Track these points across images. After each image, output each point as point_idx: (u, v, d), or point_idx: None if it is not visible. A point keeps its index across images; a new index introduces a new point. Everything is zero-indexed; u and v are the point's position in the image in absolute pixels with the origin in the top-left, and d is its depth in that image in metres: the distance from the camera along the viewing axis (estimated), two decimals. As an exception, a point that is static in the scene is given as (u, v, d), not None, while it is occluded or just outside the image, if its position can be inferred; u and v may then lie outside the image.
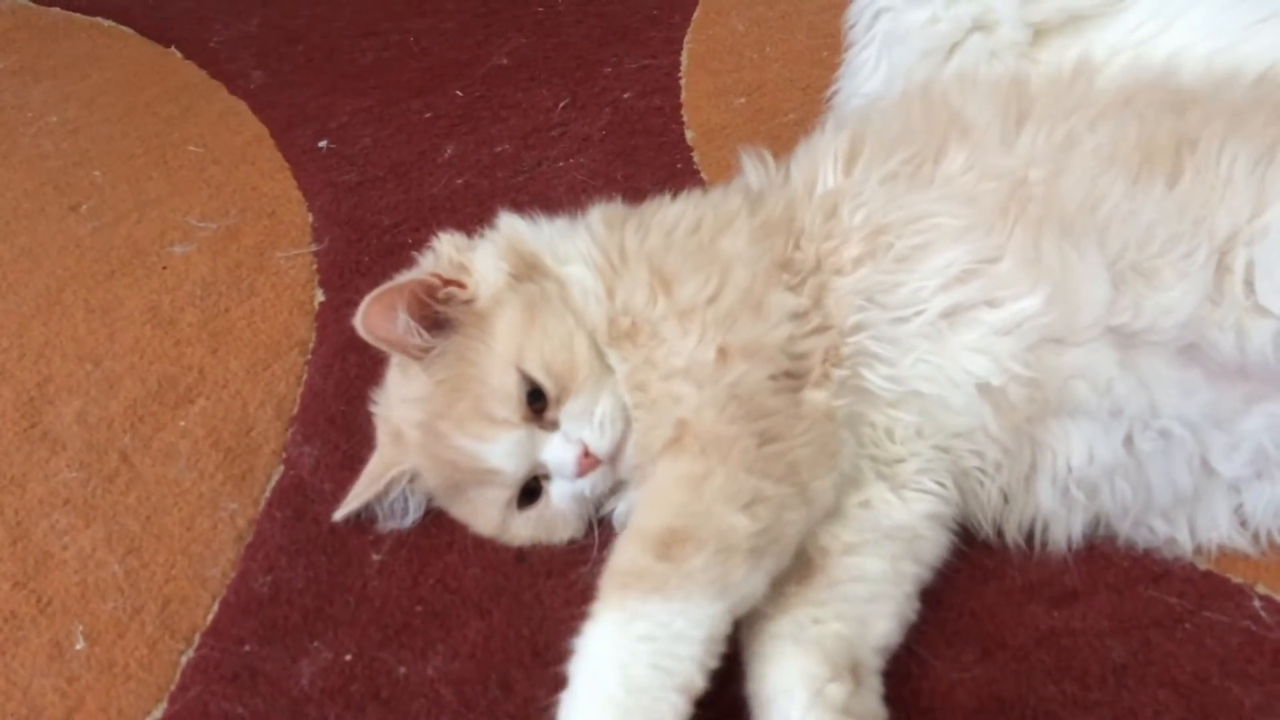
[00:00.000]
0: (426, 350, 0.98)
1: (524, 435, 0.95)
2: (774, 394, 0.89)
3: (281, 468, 1.17)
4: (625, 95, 1.66)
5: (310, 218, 1.53)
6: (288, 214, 1.54)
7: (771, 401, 0.89)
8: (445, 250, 1.04)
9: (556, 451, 0.95)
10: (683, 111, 1.61)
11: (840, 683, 0.80)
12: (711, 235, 0.98)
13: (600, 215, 1.05)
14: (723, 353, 0.90)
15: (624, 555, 0.81)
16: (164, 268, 1.47)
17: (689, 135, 1.56)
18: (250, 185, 1.61)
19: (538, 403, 0.95)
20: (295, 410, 1.24)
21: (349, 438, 1.17)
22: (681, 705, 0.76)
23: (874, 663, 0.86)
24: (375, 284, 0.99)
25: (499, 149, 1.59)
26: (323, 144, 1.67)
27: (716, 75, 1.68)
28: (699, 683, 0.77)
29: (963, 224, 0.92)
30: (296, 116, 1.75)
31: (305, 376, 1.28)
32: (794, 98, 1.60)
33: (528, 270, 1.00)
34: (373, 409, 1.08)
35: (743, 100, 1.61)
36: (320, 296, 1.39)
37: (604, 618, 0.79)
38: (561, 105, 1.67)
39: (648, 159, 1.52)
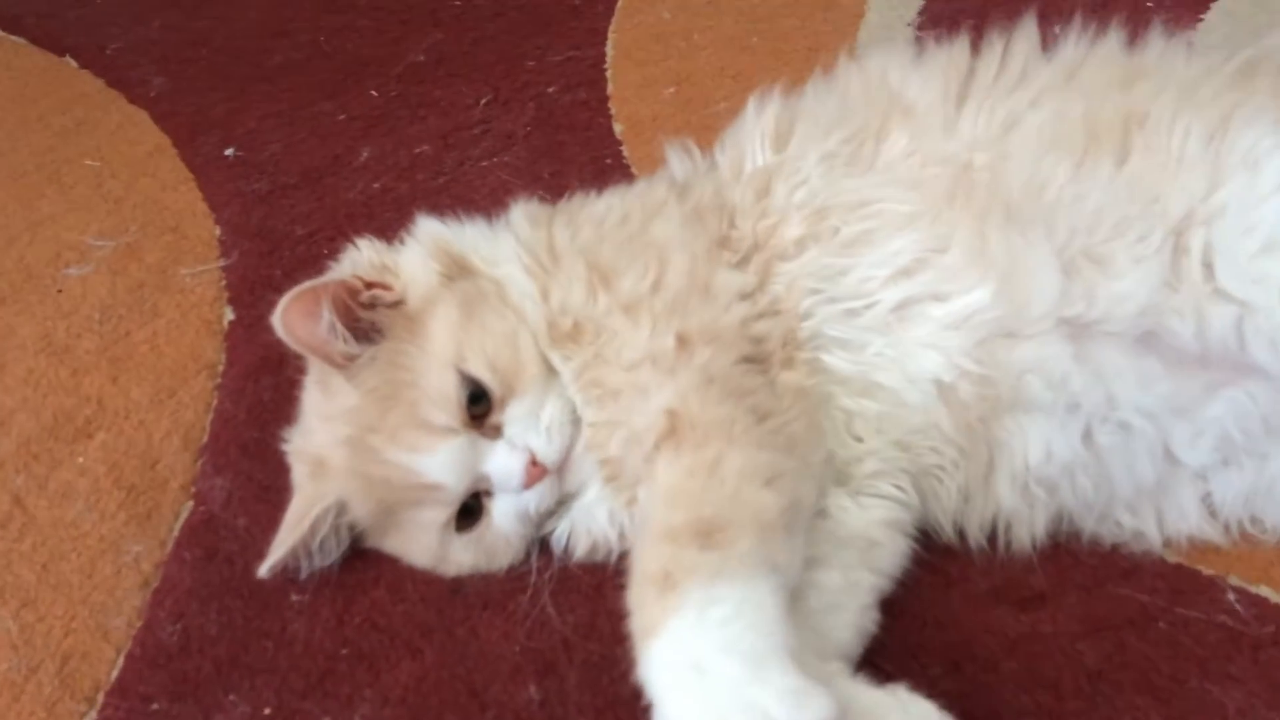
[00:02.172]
0: (351, 358, 0.90)
1: (465, 443, 0.88)
2: (747, 375, 0.85)
3: (190, 503, 1.09)
4: (549, 89, 1.60)
5: (217, 231, 1.44)
6: (193, 228, 1.45)
7: (749, 381, 0.84)
8: (366, 254, 0.97)
9: (501, 461, 0.88)
10: (610, 104, 1.54)
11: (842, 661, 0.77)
12: (641, 224, 0.94)
13: (523, 214, 0.99)
14: (682, 340, 0.85)
15: (658, 556, 0.73)
16: (59, 291, 1.37)
17: (617, 128, 1.50)
18: (152, 199, 1.51)
19: (479, 406, 0.88)
20: (205, 439, 1.15)
21: (264, 467, 1.09)
22: (793, 667, 0.66)
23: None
24: (289, 300, 0.91)
25: (418, 150, 1.51)
26: (229, 152, 1.57)
27: (644, 65, 1.62)
28: (794, 639, 0.69)
29: (909, 210, 0.88)
30: (201, 124, 1.66)
31: (215, 402, 1.19)
32: (725, 86, 1.54)
33: (459, 271, 0.94)
34: (285, 448, 1.00)
35: (672, 90, 1.54)
36: (229, 315, 1.31)
37: (668, 624, 0.68)
38: (483, 102, 1.60)
39: (575, 154, 1.45)
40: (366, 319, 0.92)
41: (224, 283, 1.35)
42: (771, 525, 0.74)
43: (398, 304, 0.93)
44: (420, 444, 0.88)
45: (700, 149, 1.04)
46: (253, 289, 1.32)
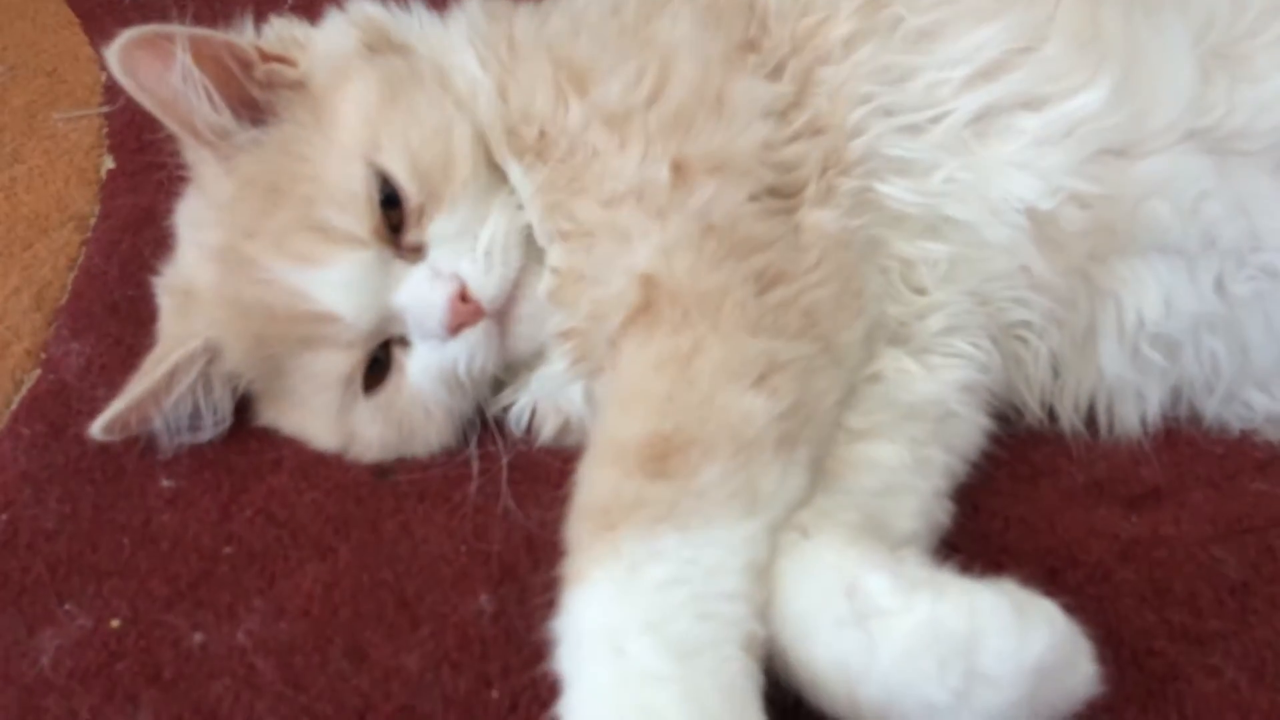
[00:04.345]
0: (224, 135, 0.67)
1: (373, 260, 0.66)
2: (761, 218, 0.64)
3: (38, 371, 0.86)
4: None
5: (103, 76, 1.21)
6: (73, 72, 1.21)
7: (761, 228, 0.64)
8: (277, 27, 0.76)
9: (419, 290, 0.66)
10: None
11: (911, 549, 0.55)
12: (638, 18, 0.73)
13: (480, 4, 0.77)
14: (679, 169, 0.64)
15: (599, 483, 0.56)
16: (-105, 134, 1.11)
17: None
18: (27, 41, 1.27)
19: (396, 214, 0.66)
20: (64, 299, 0.91)
21: (135, 329, 0.86)
22: (754, 666, 0.50)
23: None
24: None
25: (356, -2, 1.27)
26: None
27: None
28: (759, 630, 0.51)
29: None
30: (95, -32, 1.39)
31: (81, 258, 0.96)
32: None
33: (390, 47, 0.73)
34: (155, 280, 0.77)
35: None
36: (109, 163, 1.08)
37: (595, 575, 0.53)
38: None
39: None
40: (263, 101, 0.70)
41: (105, 130, 1.12)
42: (754, 442, 0.56)
43: (299, 85, 0.71)
44: (312, 253, 0.66)
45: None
46: (140, 135, 1.08)
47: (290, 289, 0.66)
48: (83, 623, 0.66)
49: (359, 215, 0.65)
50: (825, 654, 0.50)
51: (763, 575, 0.53)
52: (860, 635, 0.50)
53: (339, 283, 0.66)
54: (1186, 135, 0.66)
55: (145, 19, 1.28)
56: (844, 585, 0.51)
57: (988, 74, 0.68)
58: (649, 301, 0.61)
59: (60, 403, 0.81)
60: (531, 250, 0.68)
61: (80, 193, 1.02)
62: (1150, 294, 0.68)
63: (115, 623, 0.65)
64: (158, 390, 0.70)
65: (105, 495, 0.74)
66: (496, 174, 0.69)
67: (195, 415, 0.73)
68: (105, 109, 1.13)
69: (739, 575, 0.52)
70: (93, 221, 0.99)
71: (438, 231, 0.67)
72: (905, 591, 0.50)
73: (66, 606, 0.67)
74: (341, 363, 0.68)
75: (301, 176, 0.66)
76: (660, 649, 0.48)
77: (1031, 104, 0.67)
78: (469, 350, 0.67)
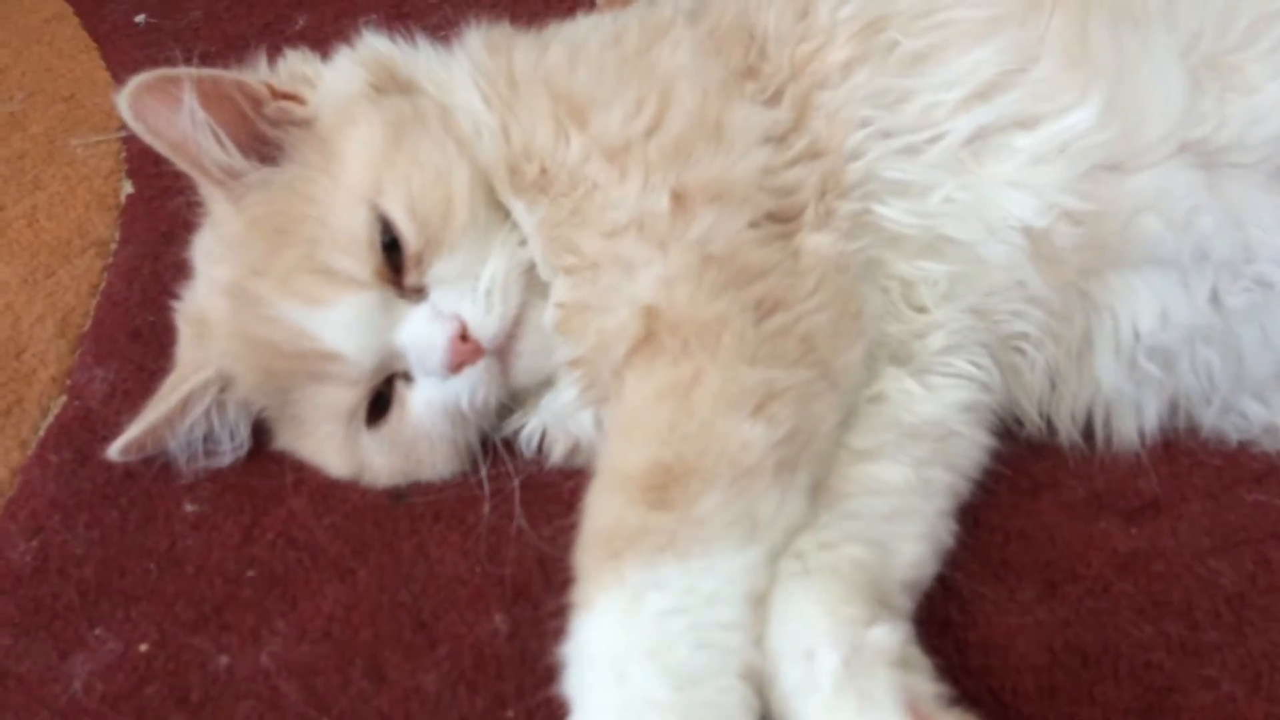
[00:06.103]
0: (234, 174, 0.70)
1: (375, 301, 0.68)
2: (760, 245, 0.66)
3: (63, 398, 0.88)
4: (526, -42, 1.37)
5: None
6: (90, 97, 1.23)
7: (760, 256, 0.65)
8: (290, 63, 0.77)
9: (420, 330, 0.68)
10: (598, -26, 1.33)
11: (887, 625, 0.55)
12: (639, 49, 0.74)
13: (481, 38, 0.78)
14: (679, 198, 0.66)
15: (604, 512, 0.59)
16: (-82, 162, 1.13)
17: (606, -1, 1.28)
18: (45, 67, 1.29)
19: (399, 257, 0.68)
20: (87, 325, 0.94)
21: (157, 354, 0.87)
22: (751, 696, 0.53)
23: (902, 603, 0.61)
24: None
25: (365, 19, 1.28)
26: (140, 19, 1.36)
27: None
28: (757, 660, 0.54)
29: (988, 15, 0.71)
30: (109, -9, 1.42)
31: (103, 284, 0.98)
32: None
33: (396, 86, 0.74)
34: (175, 305, 0.79)
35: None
36: (128, 188, 1.10)
37: (600, 603, 0.55)
38: (445, -30, 1.37)
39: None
40: (273, 138, 0.72)
41: (123, 154, 1.14)
42: (753, 470, 0.58)
43: (308, 123, 0.73)
44: (316, 294, 0.67)
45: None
46: (158, 161, 1.08)
47: (295, 328, 0.68)
48: (112, 647, 0.68)
49: (361, 258, 0.67)
50: (777, 698, 0.53)
51: (761, 603, 0.55)
52: (800, 701, 0.53)
53: (342, 323, 0.67)
54: (1179, 149, 0.67)
55: (161, 43, 1.32)
56: (807, 648, 0.54)
57: (982, 95, 0.69)
58: (650, 332, 0.62)
59: (86, 429, 0.83)
60: (535, 284, 0.69)
61: (100, 217, 1.04)
62: (1145, 306, 0.69)
63: (144, 646, 0.68)
64: (172, 416, 0.73)
65: (131, 520, 0.76)
66: (499, 212, 0.70)
67: (211, 440, 0.76)
68: (123, 133, 1.15)
69: (737, 604, 0.54)
70: (113, 247, 1.01)
71: (438, 274, 0.68)
72: (841, 685, 0.52)
73: (97, 631, 0.69)
74: (345, 398, 0.70)
75: (307, 217, 0.68)
76: (660, 677, 0.51)
77: (1025, 123, 0.69)
78: (470, 386, 0.68)
